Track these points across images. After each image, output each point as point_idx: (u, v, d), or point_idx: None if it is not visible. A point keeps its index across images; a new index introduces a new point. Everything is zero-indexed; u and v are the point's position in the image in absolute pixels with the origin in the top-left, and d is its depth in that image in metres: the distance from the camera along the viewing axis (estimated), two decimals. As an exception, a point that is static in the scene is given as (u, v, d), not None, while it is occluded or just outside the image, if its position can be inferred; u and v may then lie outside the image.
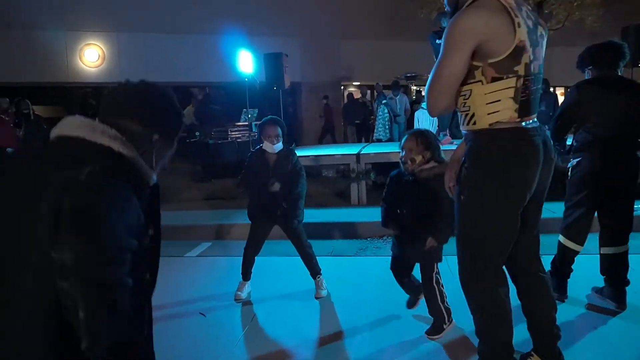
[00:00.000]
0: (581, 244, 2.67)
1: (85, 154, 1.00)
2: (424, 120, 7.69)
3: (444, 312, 2.38)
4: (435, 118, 8.09)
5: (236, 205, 5.82)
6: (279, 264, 3.69)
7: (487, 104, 1.62)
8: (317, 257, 3.80)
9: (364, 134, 9.93)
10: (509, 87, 1.59)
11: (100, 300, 0.91)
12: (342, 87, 13.16)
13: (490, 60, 1.56)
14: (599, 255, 2.70)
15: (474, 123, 1.66)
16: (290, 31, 11.51)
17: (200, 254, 4.24)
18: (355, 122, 10.00)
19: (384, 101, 8.63)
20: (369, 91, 10.57)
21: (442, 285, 2.41)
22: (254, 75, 6.54)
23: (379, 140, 8.41)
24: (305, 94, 12.51)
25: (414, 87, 12.49)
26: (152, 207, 1.14)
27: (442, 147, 2.43)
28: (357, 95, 10.71)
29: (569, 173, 2.75)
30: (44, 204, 0.91)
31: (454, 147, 4.66)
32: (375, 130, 8.71)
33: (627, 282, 2.62)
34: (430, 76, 1.64)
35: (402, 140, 2.37)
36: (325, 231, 4.48)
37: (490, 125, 1.63)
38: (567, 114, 2.69)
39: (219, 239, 4.68)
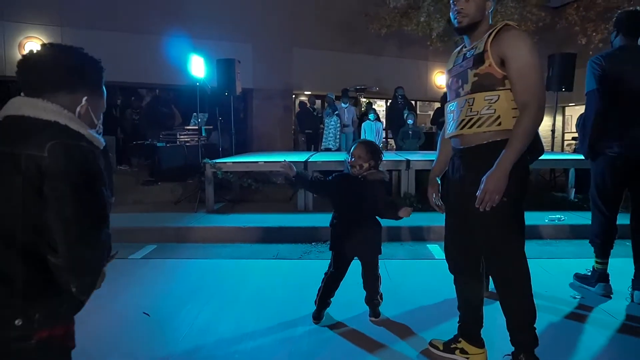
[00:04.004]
0: None
1: (35, 131, 1.09)
2: (370, 131, 8.06)
3: (380, 297, 2.75)
4: (381, 130, 8.50)
5: (183, 209, 5.84)
6: (222, 267, 3.78)
7: (512, 108, 1.88)
8: (263, 260, 3.98)
9: (314, 142, 10.16)
10: None
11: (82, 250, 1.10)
12: (294, 96, 13.35)
13: None
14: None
15: (499, 124, 1.89)
16: (243, 37, 11.57)
17: (144, 256, 4.23)
18: (306, 132, 10.20)
19: (336, 112, 8.90)
20: (318, 101, 10.81)
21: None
22: (205, 79, 6.57)
23: (328, 149, 8.68)
24: (256, 100, 12.58)
25: (363, 100, 12.93)
26: (107, 169, 1.24)
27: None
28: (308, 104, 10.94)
29: None
30: (18, 180, 1.05)
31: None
32: (324, 139, 8.96)
33: None
34: (539, 94, 1.84)
35: (353, 148, 2.64)
36: (271, 235, 4.61)
37: (512, 127, 1.88)
38: None
39: (164, 242, 4.67)
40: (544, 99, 1.84)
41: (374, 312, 2.71)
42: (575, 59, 7.36)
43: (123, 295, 3.11)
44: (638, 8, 3.05)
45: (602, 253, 3.06)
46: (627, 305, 2.89)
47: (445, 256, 2.26)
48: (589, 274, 3.18)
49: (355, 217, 2.65)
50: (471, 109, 1.94)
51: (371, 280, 2.72)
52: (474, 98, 1.94)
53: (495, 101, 1.89)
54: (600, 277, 3.07)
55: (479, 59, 1.91)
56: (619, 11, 3.11)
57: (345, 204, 2.68)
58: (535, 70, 1.83)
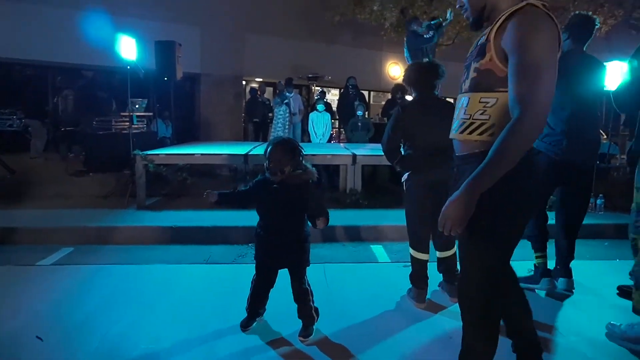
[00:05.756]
0: (427, 252, 2.93)
1: None
2: (318, 122, 7.78)
3: (314, 312, 2.48)
4: (330, 121, 8.23)
5: (113, 204, 5.34)
6: (145, 273, 3.39)
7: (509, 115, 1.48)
8: (191, 265, 3.64)
9: (262, 131, 9.78)
10: None
11: None
12: (244, 82, 12.85)
13: None
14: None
15: (491, 134, 1.52)
16: (190, 19, 10.93)
17: (56, 262, 3.75)
18: (254, 120, 9.79)
19: (285, 101, 8.56)
20: (269, 88, 10.41)
21: (309, 285, 2.51)
22: (137, 63, 6.01)
23: (276, 140, 8.35)
24: (204, 86, 11.98)
25: (317, 88, 12.65)
26: None
27: None
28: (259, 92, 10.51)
29: (404, 187, 2.98)
30: None
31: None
32: (273, 129, 8.61)
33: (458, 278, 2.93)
34: (537, 96, 1.40)
35: (268, 150, 2.36)
36: (204, 236, 4.25)
37: None
38: (394, 133, 2.88)
39: (84, 244, 4.18)
40: (545, 105, 1.41)
41: (305, 331, 2.45)
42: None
43: (18, 312, 2.67)
44: (589, 13, 3.04)
45: (541, 246, 3.12)
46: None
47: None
48: (531, 273, 3.21)
49: (278, 226, 2.40)
50: (465, 110, 1.62)
51: (299, 292, 2.48)
52: (469, 98, 1.61)
53: (492, 105, 1.54)
54: (543, 272, 3.12)
55: (482, 51, 1.55)
56: (573, 14, 3.09)
57: (266, 212, 2.44)
58: (539, 66, 1.40)
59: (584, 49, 3.01)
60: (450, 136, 1.73)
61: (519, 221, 1.64)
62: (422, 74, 2.85)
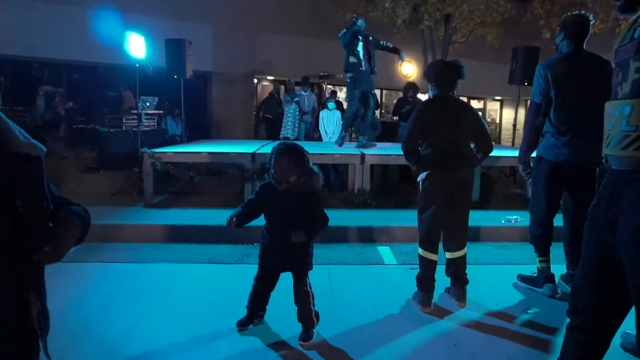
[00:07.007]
0: (436, 252, 2.86)
1: None
2: (328, 121, 7.71)
3: (314, 315, 2.45)
4: (340, 119, 8.15)
5: (121, 201, 5.35)
6: (147, 272, 3.38)
7: None
8: (195, 264, 3.61)
9: (274, 129, 9.73)
10: None
11: None
12: (256, 81, 12.83)
13: None
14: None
15: None
16: (203, 17, 10.95)
17: (61, 260, 3.75)
18: (266, 116, 9.72)
19: (295, 99, 8.50)
20: (282, 86, 10.36)
21: (311, 288, 2.47)
22: (146, 60, 6.00)
23: (287, 138, 8.27)
24: (216, 84, 12.00)
25: (329, 86, 12.57)
26: None
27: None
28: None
29: (420, 187, 2.88)
30: None
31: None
32: (283, 128, 8.55)
33: (466, 282, 2.92)
34: None
35: (272, 161, 2.31)
36: (209, 235, 4.21)
37: None
38: (415, 129, 2.83)
39: (89, 241, 4.15)
40: None
41: (305, 334, 2.40)
42: (539, 53, 7.20)
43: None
44: (584, 12, 2.98)
45: (544, 250, 3.07)
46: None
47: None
48: (535, 275, 3.18)
49: (282, 230, 2.34)
50: (627, 121, 1.31)
51: (299, 295, 2.44)
52: (632, 105, 1.30)
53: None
54: (547, 278, 3.08)
55: None
56: (566, 15, 3.04)
57: (271, 216, 2.42)
58: None
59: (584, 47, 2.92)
60: (605, 152, 1.44)
61: None
62: (445, 72, 2.82)
